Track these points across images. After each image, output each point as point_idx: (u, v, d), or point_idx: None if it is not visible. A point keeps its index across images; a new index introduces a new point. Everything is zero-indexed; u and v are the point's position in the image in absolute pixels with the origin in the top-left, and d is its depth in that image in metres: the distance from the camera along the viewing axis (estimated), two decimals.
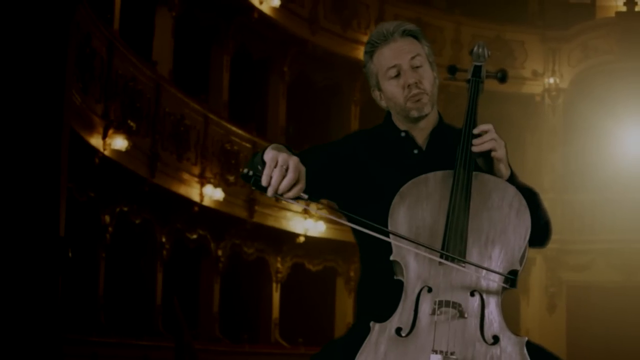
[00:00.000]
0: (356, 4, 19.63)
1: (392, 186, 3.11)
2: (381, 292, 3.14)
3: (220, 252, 16.82)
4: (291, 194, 2.87)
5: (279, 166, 2.85)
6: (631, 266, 20.56)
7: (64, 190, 10.78)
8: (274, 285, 18.25)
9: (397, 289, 3.02)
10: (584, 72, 21.58)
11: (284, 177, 2.85)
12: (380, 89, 3.31)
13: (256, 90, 18.85)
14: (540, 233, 3.26)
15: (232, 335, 16.88)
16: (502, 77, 3.40)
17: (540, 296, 21.02)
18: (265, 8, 17.26)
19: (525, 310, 21.02)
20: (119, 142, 12.93)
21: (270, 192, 2.85)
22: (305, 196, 2.93)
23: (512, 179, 3.16)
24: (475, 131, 3.11)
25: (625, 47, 21.17)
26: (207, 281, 16.75)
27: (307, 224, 17.69)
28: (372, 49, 3.29)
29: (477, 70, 3.31)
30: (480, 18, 21.33)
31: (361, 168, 3.25)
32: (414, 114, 3.25)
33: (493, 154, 3.08)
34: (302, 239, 17.79)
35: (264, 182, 2.85)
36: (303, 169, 2.91)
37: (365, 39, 19.97)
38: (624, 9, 21.55)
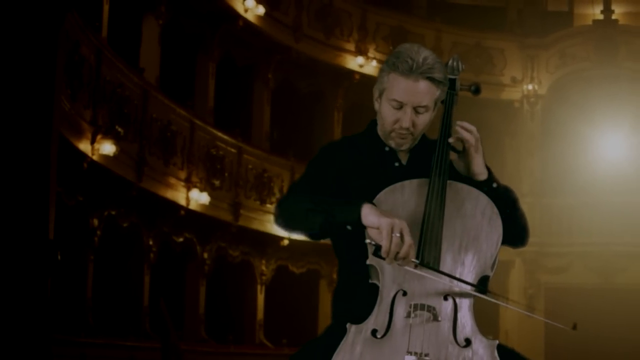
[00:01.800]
0: (339, 13, 19.68)
1: (371, 194, 3.14)
2: (357, 295, 3.18)
3: (206, 255, 16.84)
4: (407, 260, 2.97)
5: (394, 235, 2.92)
6: (608, 268, 20.71)
7: (53, 195, 10.69)
8: (259, 287, 18.25)
9: (373, 292, 3.07)
10: (562, 78, 21.65)
11: (399, 245, 2.93)
12: (380, 98, 3.29)
13: (241, 97, 18.86)
14: (522, 225, 3.34)
15: (218, 336, 16.89)
16: (476, 90, 3.42)
17: (519, 298, 20.86)
18: (250, 16, 17.29)
19: (504, 312, 20.67)
20: (107, 148, 12.93)
21: (388, 261, 2.95)
22: (416, 261, 3.00)
23: (492, 175, 3.24)
24: (459, 124, 3.20)
25: (602, 55, 21.33)
26: (193, 283, 16.77)
27: None
28: (393, 69, 3.22)
29: (451, 83, 3.33)
30: (460, 26, 21.40)
31: (343, 179, 3.27)
32: (392, 144, 3.28)
33: (467, 144, 3.18)
34: (286, 242, 17.76)
35: (385, 254, 2.94)
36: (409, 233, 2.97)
37: (347, 46, 20.18)
38: (600, 17, 21.71)
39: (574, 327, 3.01)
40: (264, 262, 18.36)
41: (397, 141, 3.26)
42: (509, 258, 20.77)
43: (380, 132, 3.32)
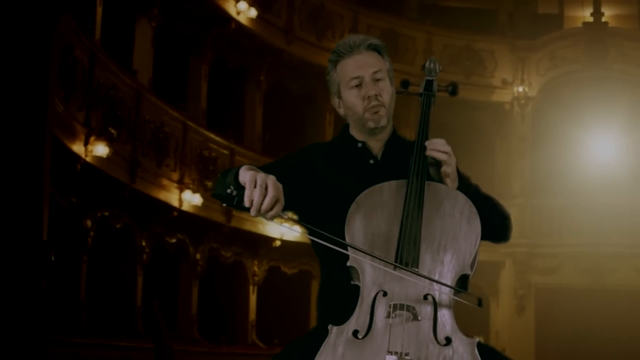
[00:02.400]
0: (331, 15, 19.77)
1: (349, 195, 3.17)
2: (339, 297, 3.18)
3: (198, 256, 16.88)
4: (273, 212, 2.93)
5: (259, 186, 2.90)
6: (598, 269, 20.76)
7: (46, 196, 10.63)
8: (251, 287, 18.28)
9: (354, 293, 3.08)
10: (552, 80, 21.71)
11: (264, 196, 2.90)
12: (340, 97, 3.36)
13: (233, 99, 18.88)
14: (502, 225, 3.36)
15: (210, 337, 16.94)
16: (453, 91, 3.44)
17: (510, 298, 21.10)
18: (242, 19, 17.34)
19: (495, 312, 21.12)
20: (100, 149, 12.94)
21: (253, 212, 2.90)
22: (286, 215, 2.99)
23: (462, 183, 3.24)
24: (429, 143, 3.19)
25: (591, 57, 21.39)
26: (185, 284, 16.80)
27: (283, 228, 17.24)
28: (337, 58, 3.34)
29: (428, 84, 3.36)
30: (451, 28, 21.47)
31: (319, 179, 3.29)
32: (371, 124, 3.31)
33: (444, 168, 3.17)
34: (278, 243, 17.86)
35: (246, 203, 2.90)
36: (280, 186, 2.95)
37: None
38: (590, 19, 21.77)
39: (479, 304, 3.00)
40: (256, 262, 18.39)
41: (374, 118, 3.30)
42: (499, 259, 20.85)
43: (355, 124, 3.36)
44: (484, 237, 3.21)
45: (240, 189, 2.94)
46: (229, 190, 2.93)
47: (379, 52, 3.34)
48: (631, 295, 20.53)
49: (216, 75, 17.93)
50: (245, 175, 2.94)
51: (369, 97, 3.29)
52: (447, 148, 3.18)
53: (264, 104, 19.10)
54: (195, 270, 16.87)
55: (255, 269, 18.41)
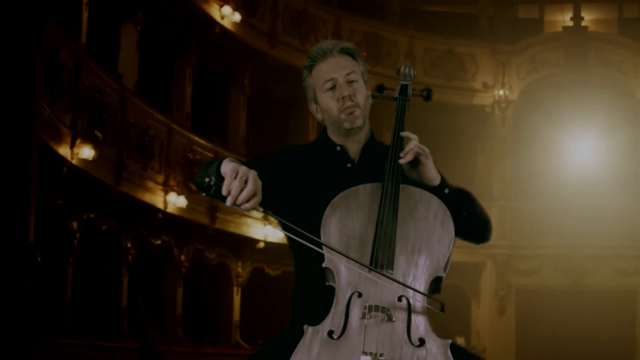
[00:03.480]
0: (313, 20, 19.83)
1: (326, 198, 3.19)
2: (314, 297, 3.21)
3: (183, 257, 16.90)
4: (249, 205, 2.93)
5: (239, 178, 2.91)
6: (578, 270, 20.82)
7: (33, 198, 10.65)
8: (235, 289, 18.31)
9: (329, 294, 3.10)
10: (533, 84, 21.74)
11: (243, 188, 2.91)
12: (317, 102, 3.38)
13: (217, 102, 18.90)
14: (481, 224, 3.37)
15: (195, 337, 16.97)
16: (427, 96, 3.43)
17: (491, 299, 21.12)
18: (226, 23, 17.38)
19: (476, 313, 21.16)
20: (86, 152, 12.97)
21: (229, 202, 2.91)
22: (261, 208, 2.98)
23: (444, 181, 3.26)
24: (402, 133, 3.24)
25: (571, 61, 21.45)
26: (170, 285, 16.82)
27: (267, 230, 17.64)
28: (311, 63, 3.36)
29: (403, 89, 3.38)
30: (433, 32, 21.50)
31: (297, 179, 3.31)
32: (347, 125, 3.33)
33: (420, 157, 3.19)
34: (262, 244, 17.89)
35: (224, 192, 2.91)
36: (260, 182, 2.96)
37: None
38: (570, 23, 21.79)
39: (442, 309, 3.05)
40: (240, 264, 18.41)
41: (349, 118, 3.31)
42: (480, 260, 20.91)
43: (332, 126, 3.38)
44: (466, 235, 3.30)
45: (221, 179, 2.96)
46: (207, 179, 2.95)
47: (352, 56, 3.37)
48: (611, 296, 20.68)
49: (200, 78, 17.95)
50: (227, 167, 2.97)
51: (343, 97, 3.30)
52: (415, 143, 3.21)
53: (247, 108, 19.14)
54: (179, 271, 16.89)
55: (239, 270, 18.44)
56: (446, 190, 3.24)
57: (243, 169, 2.95)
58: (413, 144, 3.20)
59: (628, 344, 20.60)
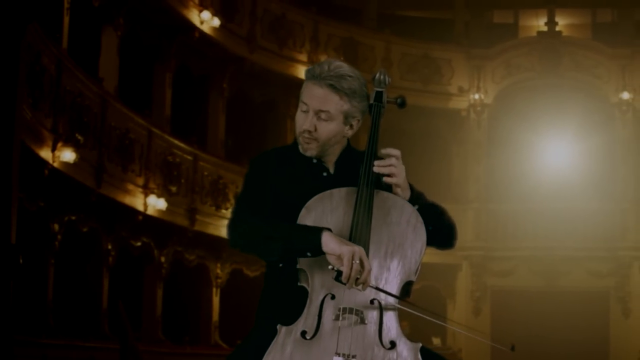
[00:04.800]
0: (291, 25, 19.86)
1: (303, 203, 3.21)
2: (286, 297, 3.21)
3: (163, 259, 16.92)
4: (366, 285, 3.04)
5: (355, 263, 2.98)
6: (552, 272, 20.94)
7: (15, 200, 10.78)
8: (214, 290, 18.35)
9: (299, 294, 3.12)
10: (507, 88, 21.83)
11: (360, 272, 2.99)
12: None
13: (197, 106, 18.92)
14: (448, 235, 3.41)
15: (174, 337, 16.98)
16: (402, 103, 3.41)
17: (466, 300, 21.23)
18: (205, 28, 17.45)
19: (452, 313, 21.17)
20: (67, 155, 13.00)
21: (348, 286, 3.01)
22: (373, 284, 3.08)
23: (413, 197, 3.28)
24: (383, 151, 3.25)
25: (546, 65, 21.55)
26: (150, 286, 16.83)
27: None
28: (307, 77, 3.32)
29: (378, 95, 3.36)
30: (409, 37, 21.59)
31: (275, 190, 3.30)
32: (301, 149, 3.34)
33: (388, 179, 3.21)
34: None
35: (345, 279, 2.99)
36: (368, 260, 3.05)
37: (300, 57, 20.29)
38: (545, 28, 21.93)
39: (512, 349, 3.18)
40: (219, 265, 18.44)
41: (304, 146, 3.32)
42: (456, 262, 20.98)
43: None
44: (431, 243, 3.32)
45: (319, 252, 3.03)
46: (330, 267, 3.01)
47: (339, 93, 3.29)
48: (584, 297, 20.82)
49: (180, 83, 17.97)
50: (342, 250, 3.00)
51: (303, 129, 3.30)
52: (392, 161, 3.22)
53: (226, 111, 19.12)
54: (159, 272, 16.91)
55: (218, 271, 18.48)
56: (415, 207, 3.27)
57: (357, 250, 3.01)
58: (390, 162, 3.22)
59: (602, 344, 20.73)
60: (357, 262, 2.98)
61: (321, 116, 3.28)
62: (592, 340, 20.57)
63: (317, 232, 3.05)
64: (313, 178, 3.36)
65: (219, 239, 17.37)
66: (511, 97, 21.83)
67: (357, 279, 3.02)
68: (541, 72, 21.71)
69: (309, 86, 3.30)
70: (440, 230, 3.35)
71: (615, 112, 21.52)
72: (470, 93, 21.79)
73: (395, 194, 3.24)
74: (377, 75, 3.40)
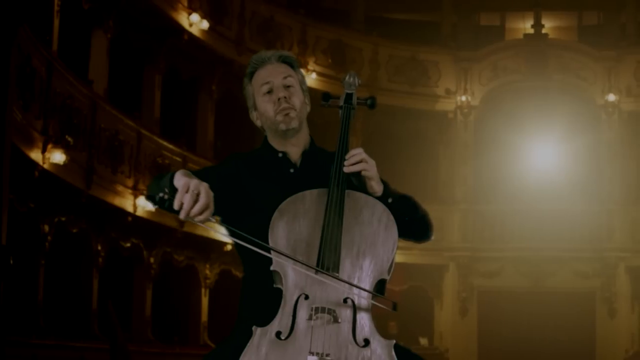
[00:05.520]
0: (280, 27, 19.98)
1: (271, 202, 3.23)
2: (262, 299, 3.23)
3: (152, 260, 16.96)
4: (202, 217, 2.97)
5: (191, 191, 2.94)
6: (538, 273, 21.05)
7: (5, 201, 10.97)
8: (203, 290, 18.42)
9: (276, 295, 3.13)
10: (494, 90, 21.92)
11: (195, 201, 2.94)
12: (256, 109, 3.43)
13: (186, 108, 19.02)
14: (423, 226, 3.43)
15: (164, 338, 17.05)
16: (372, 104, 3.46)
17: (453, 301, 21.28)
18: (194, 30, 17.53)
19: (439, 314, 21.30)
20: (57, 156, 13.04)
21: (182, 215, 2.94)
22: (213, 219, 3.04)
23: (387, 190, 3.30)
24: (347, 157, 3.23)
25: (532, 67, 21.66)
26: (140, 287, 16.88)
27: None
28: (251, 71, 3.42)
29: (348, 97, 3.39)
30: (396, 39, 21.66)
31: (243, 186, 3.34)
32: (282, 126, 3.37)
33: (364, 173, 3.22)
34: (229, 247, 17.83)
35: (176, 206, 2.94)
36: (212, 194, 3.00)
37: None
38: (531, 31, 22.01)
39: (394, 308, 3.11)
40: (208, 266, 18.51)
41: (285, 120, 3.36)
42: (443, 262, 21.09)
43: (269, 129, 3.43)
44: (409, 236, 3.37)
45: (174, 192, 2.98)
46: (161, 194, 2.97)
47: (291, 65, 3.44)
48: (570, 297, 20.96)
49: (169, 85, 18.04)
50: (180, 180, 2.99)
51: (279, 99, 3.36)
52: (362, 156, 3.23)
53: (215, 113, 19.22)
54: (149, 273, 16.96)
55: (207, 272, 18.55)
56: (389, 200, 3.30)
57: (194, 182, 2.98)
58: (359, 157, 3.24)
59: (588, 344, 20.88)
60: (195, 192, 2.95)
61: (287, 82, 3.39)
62: (579, 341, 20.68)
63: (175, 172, 3.09)
64: (280, 176, 3.40)
65: (208, 240, 17.47)
66: (498, 99, 21.92)
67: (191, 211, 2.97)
68: (527, 74, 21.79)
69: (261, 71, 3.41)
70: (415, 222, 3.39)
71: (601, 114, 21.63)
72: (457, 95, 21.89)
73: (370, 187, 3.26)
74: (347, 77, 3.44)
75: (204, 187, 2.98)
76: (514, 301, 21.07)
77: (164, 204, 2.97)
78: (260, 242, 3.10)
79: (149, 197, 3.03)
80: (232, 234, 3.20)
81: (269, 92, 3.38)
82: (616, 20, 22.43)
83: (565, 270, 21.07)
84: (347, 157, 3.23)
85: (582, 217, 21.20)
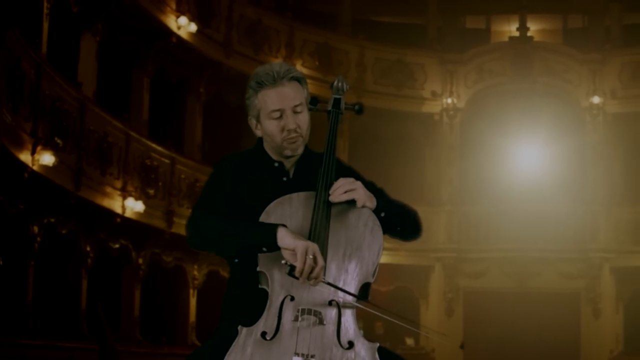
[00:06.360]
0: (267, 30, 20.02)
1: (261, 206, 3.24)
2: (247, 299, 3.23)
3: (140, 261, 16.96)
4: (318, 280, 3.06)
5: (309, 258, 3.02)
6: (523, 273, 21.12)
7: None
8: (191, 291, 18.44)
9: (262, 296, 3.15)
10: (480, 92, 21.97)
11: (313, 267, 3.03)
12: (259, 121, 3.37)
13: (174, 110, 19.02)
14: (413, 230, 3.43)
15: (152, 338, 17.04)
16: (359, 110, 3.47)
17: (439, 301, 21.36)
18: (182, 33, 17.58)
19: (425, 314, 21.34)
20: (47, 158, 13.03)
21: (302, 280, 3.04)
22: (325, 281, 3.10)
23: (379, 204, 3.30)
24: (330, 191, 3.23)
25: (517, 70, 21.73)
26: (128, 287, 16.88)
27: None
28: (259, 87, 3.32)
29: (336, 102, 3.42)
30: (383, 42, 21.73)
31: (237, 195, 3.32)
32: (288, 153, 3.36)
33: (353, 198, 3.22)
34: None
35: (298, 274, 3.03)
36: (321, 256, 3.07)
37: (276, 61, 20.33)
38: (516, 34, 22.11)
39: (462, 346, 3.36)
40: (196, 267, 18.51)
41: (291, 147, 3.36)
42: (429, 263, 21.16)
43: (271, 148, 3.40)
44: (399, 238, 3.42)
45: (274, 248, 3.07)
46: (283, 262, 3.05)
47: (299, 82, 3.37)
48: (555, 298, 21.04)
49: (157, 87, 18.03)
50: (297, 245, 3.05)
51: (289, 130, 3.32)
52: (346, 187, 3.23)
53: (203, 115, 19.24)
54: (137, 274, 16.96)
55: (195, 273, 18.57)
56: (382, 214, 3.30)
57: (311, 246, 3.05)
58: (343, 189, 3.23)
59: (573, 345, 20.97)
60: (311, 257, 3.02)
61: (297, 110, 3.34)
62: (563, 341, 20.76)
63: (273, 227, 3.10)
64: (273, 183, 3.39)
65: None
66: (483, 101, 21.96)
67: (310, 274, 3.06)
68: (513, 76, 21.84)
69: (271, 93, 3.32)
70: (406, 228, 3.41)
71: (585, 116, 21.70)
72: (443, 97, 21.94)
73: (363, 206, 3.25)
74: (335, 82, 3.46)
75: (317, 252, 3.06)
76: (500, 301, 21.13)
77: (286, 270, 3.07)
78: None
79: (289, 274, 3.08)
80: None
81: (279, 117, 3.33)
82: (601, 23, 22.49)
83: (550, 270, 21.13)
84: (330, 191, 3.23)
85: (566, 218, 21.27)
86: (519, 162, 21.43)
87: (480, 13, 23.39)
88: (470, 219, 21.62)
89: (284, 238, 3.06)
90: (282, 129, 3.34)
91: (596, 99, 21.62)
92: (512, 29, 22.46)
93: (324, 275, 3.13)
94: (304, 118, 3.36)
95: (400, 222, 3.37)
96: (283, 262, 3.05)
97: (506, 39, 22.45)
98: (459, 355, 20.80)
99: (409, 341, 20.75)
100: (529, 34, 22.23)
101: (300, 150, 3.39)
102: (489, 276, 21.41)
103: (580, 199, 21.32)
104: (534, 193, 21.06)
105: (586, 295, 21.27)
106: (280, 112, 3.33)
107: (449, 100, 21.90)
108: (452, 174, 21.83)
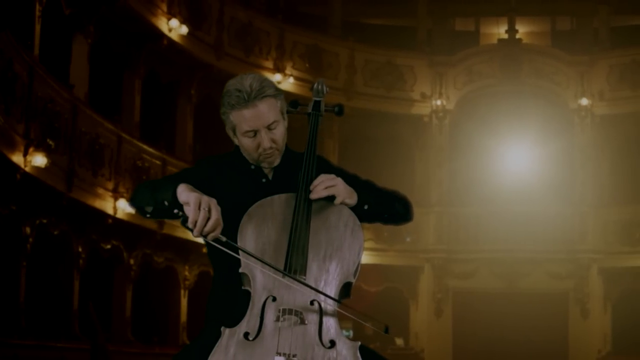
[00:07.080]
0: (258, 32, 20.05)
1: (243, 210, 3.25)
2: (231, 300, 3.28)
3: (132, 261, 17.02)
4: (214, 234, 3.04)
5: (203, 209, 3.00)
6: (512, 274, 21.16)
7: None
8: (182, 291, 18.51)
9: (244, 297, 3.18)
10: (469, 94, 22.02)
11: (207, 219, 3.02)
12: (235, 134, 3.39)
13: (165, 112, 19.06)
14: (402, 215, 3.48)
15: (143, 338, 17.09)
16: (339, 111, 3.55)
17: (428, 302, 21.38)
18: (174, 35, 17.63)
19: (414, 314, 21.41)
20: (39, 160, 13.05)
21: (196, 233, 3.02)
22: (224, 238, 3.08)
23: (361, 198, 3.33)
24: (311, 187, 3.26)
25: (506, 72, 21.79)
26: (120, 288, 16.92)
27: None
28: (231, 107, 3.31)
29: (316, 104, 3.46)
30: (373, 44, 21.80)
31: (215, 192, 3.23)
32: (265, 165, 3.41)
33: (333, 193, 3.25)
34: None
35: (190, 224, 3.01)
36: (220, 209, 3.05)
37: (266, 63, 20.39)
38: (505, 36, 22.16)
39: (386, 331, 3.19)
40: (187, 268, 18.57)
41: (268, 161, 3.38)
42: (418, 264, 21.21)
43: (248, 158, 3.43)
44: (392, 223, 3.48)
45: (178, 206, 3.06)
46: (175, 211, 3.04)
47: (274, 97, 3.33)
48: (544, 298, 21.10)
49: (149, 89, 18.07)
50: (190, 197, 3.04)
51: (264, 148, 3.34)
52: (325, 184, 3.26)
53: (194, 117, 19.29)
54: (129, 274, 17.01)
55: (186, 273, 18.62)
56: (365, 207, 3.35)
57: (205, 198, 3.03)
58: (323, 185, 3.26)
59: (561, 345, 21.03)
60: (206, 209, 3.01)
61: (271, 127, 3.33)
62: (552, 341, 20.82)
63: (175, 184, 3.12)
64: (252, 184, 3.42)
65: (187, 241, 17.39)
66: (472, 103, 22.00)
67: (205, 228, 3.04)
68: (502, 78, 21.90)
69: (244, 113, 3.29)
70: (394, 214, 3.47)
71: (574, 118, 21.78)
72: (433, 99, 21.97)
73: (344, 203, 3.28)
74: (315, 85, 3.50)
75: (213, 204, 3.05)
76: (489, 302, 21.18)
77: (181, 221, 3.05)
78: (233, 243, 3.13)
79: (140, 207, 3.13)
80: (231, 248, 3.16)
81: (254, 135, 3.33)
82: (589, 26, 22.60)
83: (538, 271, 21.19)
84: (311, 187, 3.26)
85: (555, 219, 21.34)
86: (508, 164, 21.46)
87: (470, 15, 23.43)
88: (460, 220, 21.64)
89: (181, 193, 3.07)
90: (257, 147, 3.36)
91: (584, 101, 21.68)
92: (501, 31, 22.48)
93: (305, 274, 3.17)
94: (279, 132, 3.37)
95: (386, 210, 3.42)
96: (175, 211, 3.07)
97: (495, 42, 22.49)
98: (449, 355, 20.93)
99: (399, 341, 20.83)
100: (517, 36, 22.26)
101: (277, 162, 3.43)
102: (478, 277, 21.44)
103: (569, 200, 21.39)
104: (523, 194, 21.09)
105: (574, 295, 21.32)
106: (254, 132, 3.33)
107: (439, 102, 21.93)
108: (441, 175, 21.85)
